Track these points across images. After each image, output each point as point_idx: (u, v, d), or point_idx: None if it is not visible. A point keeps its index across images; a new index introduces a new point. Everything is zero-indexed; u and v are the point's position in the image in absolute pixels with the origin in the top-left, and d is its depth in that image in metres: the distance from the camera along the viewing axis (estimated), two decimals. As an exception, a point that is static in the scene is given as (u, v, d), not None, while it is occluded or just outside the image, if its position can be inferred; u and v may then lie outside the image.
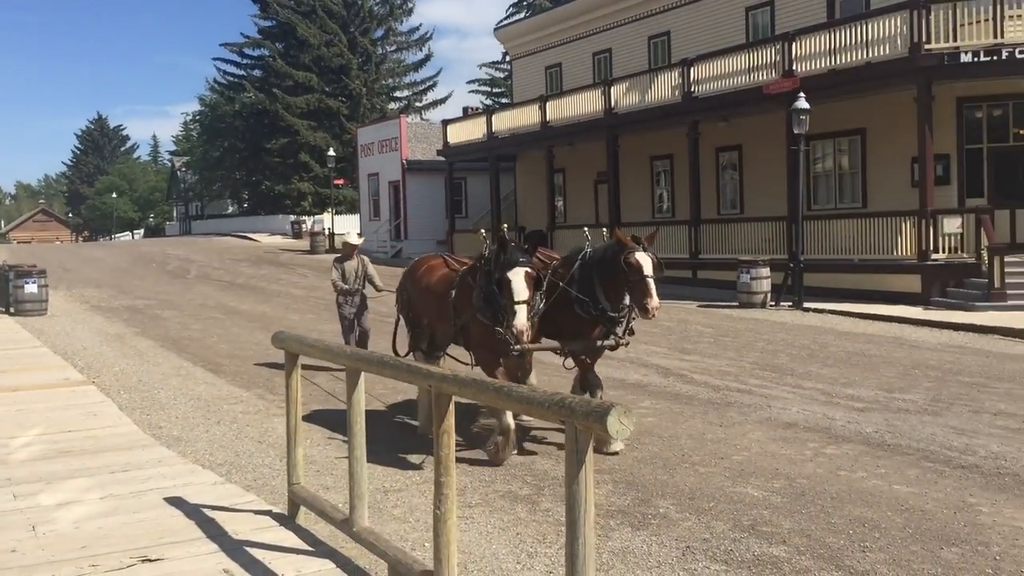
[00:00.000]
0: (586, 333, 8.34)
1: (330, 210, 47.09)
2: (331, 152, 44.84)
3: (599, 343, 8.50)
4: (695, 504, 6.85)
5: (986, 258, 17.26)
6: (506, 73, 55.00)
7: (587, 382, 8.56)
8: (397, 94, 62.68)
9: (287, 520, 6.00)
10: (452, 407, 4.05)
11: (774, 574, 5.49)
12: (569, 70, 33.79)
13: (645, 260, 7.90)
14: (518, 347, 7.88)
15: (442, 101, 64.69)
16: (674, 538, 6.13)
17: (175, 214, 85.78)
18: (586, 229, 9.56)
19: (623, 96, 26.90)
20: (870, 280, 19.33)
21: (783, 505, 6.79)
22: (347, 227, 49.73)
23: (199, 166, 70.29)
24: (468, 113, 38.67)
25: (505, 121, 32.63)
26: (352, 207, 52.95)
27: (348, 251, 12.81)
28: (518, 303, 7.43)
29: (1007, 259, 17.18)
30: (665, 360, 13.45)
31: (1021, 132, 20.32)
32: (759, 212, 23.82)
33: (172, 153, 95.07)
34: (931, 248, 18.31)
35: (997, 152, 20.29)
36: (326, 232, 41.87)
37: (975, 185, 20.21)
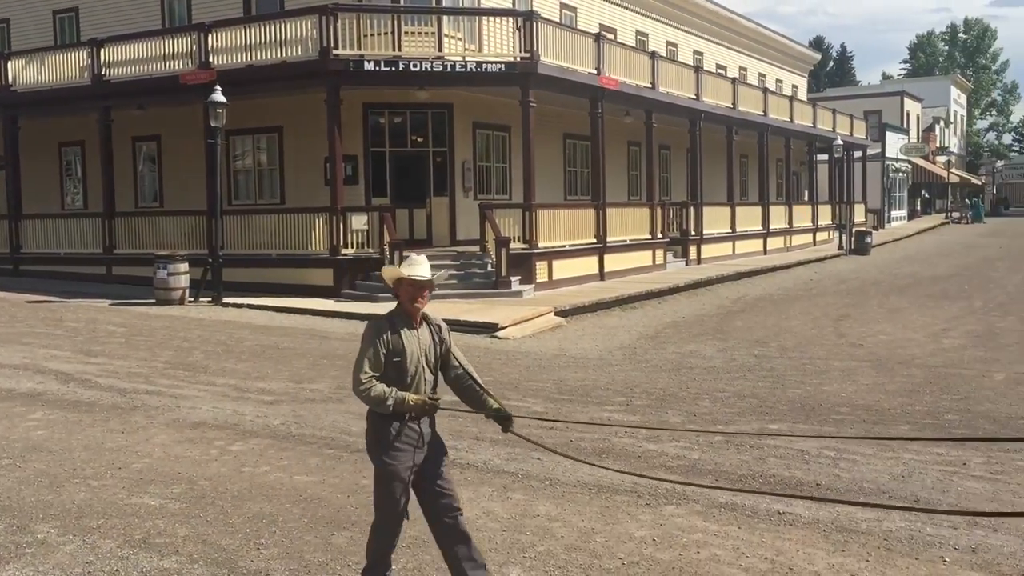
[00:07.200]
0: None
1: None
2: None
3: None
4: (82, 523, 6.26)
5: (388, 252, 18.77)
6: None
7: None
8: None
9: None
10: None
11: (163, 588, 5.21)
12: (-45, 38, 29.37)
13: None
14: None
15: None
16: (52, 566, 5.50)
17: None
18: None
19: (22, 71, 24.14)
20: (288, 274, 19.85)
21: (181, 511, 6.52)
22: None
23: None
24: None
25: None
26: None
27: (407, 301, 4.79)
28: None
29: (405, 253, 18.87)
30: (67, 364, 12.26)
31: (418, 139, 22.51)
32: (179, 206, 23.12)
33: None
34: (342, 243, 19.38)
35: (398, 156, 22.24)
36: None
37: (380, 185, 21.90)
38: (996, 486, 7.05)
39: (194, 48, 21.18)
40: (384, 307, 17.11)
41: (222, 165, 20.40)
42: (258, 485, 7.14)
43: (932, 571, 5.45)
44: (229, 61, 20.69)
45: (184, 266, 18.98)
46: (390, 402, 4.63)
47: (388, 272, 4.88)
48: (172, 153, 24.63)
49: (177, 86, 21.06)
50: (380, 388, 4.63)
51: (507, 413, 4.84)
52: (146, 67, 22.10)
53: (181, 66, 21.37)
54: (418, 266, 4.78)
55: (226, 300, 18.67)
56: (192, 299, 18.98)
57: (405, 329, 4.76)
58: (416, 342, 4.76)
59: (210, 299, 18.91)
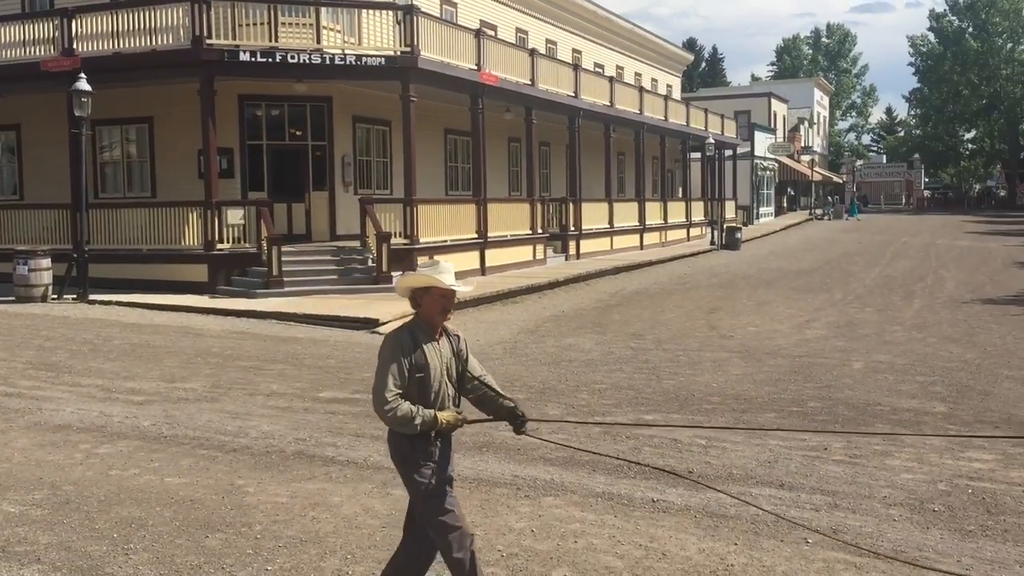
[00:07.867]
0: None
1: None
2: None
3: None
4: (-66, 534, 5.91)
5: (265, 248, 18.39)
6: None
7: None
8: None
9: None
10: None
11: (23, 598, 4.98)
12: None
13: None
14: None
15: None
16: (-99, 580, 5.19)
17: None
18: None
19: None
20: (160, 270, 19.19)
21: (43, 518, 6.24)
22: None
23: None
24: None
25: None
26: None
27: (437, 313, 4.43)
28: None
29: (284, 249, 18.53)
30: (-84, 367, 11.54)
31: (297, 132, 22.10)
32: (41, 199, 22.06)
33: None
34: (217, 238, 18.86)
35: (275, 149, 21.78)
36: None
37: (257, 179, 21.41)
38: (855, 470, 7.43)
39: (57, 34, 20.24)
40: (261, 302, 16.74)
41: (88, 157, 19.60)
42: (127, 488, 6.90)
43: (796, 552, 5.71)
44: (95, 48, 19.85)
45: (46, 262, 18.11)
46: (417, 421, 4.28)
47: (414, 280, 4.39)
48: (33, 144, 23.48)
49: (38, 73, 20.09)
50: (406, 408, 4.27)
51: (521, 412, 4.63)
52: (4, 53, 21.02)
53: (43, 52, 20.40)
54: (452, 276, 4.37)
55: (93, 297, 17.91)
56: (56, 296, 18.13)
57: (427, 342, 4.39)
58: (438, 356, 4.43)
59: (75, 296, 18.11)
